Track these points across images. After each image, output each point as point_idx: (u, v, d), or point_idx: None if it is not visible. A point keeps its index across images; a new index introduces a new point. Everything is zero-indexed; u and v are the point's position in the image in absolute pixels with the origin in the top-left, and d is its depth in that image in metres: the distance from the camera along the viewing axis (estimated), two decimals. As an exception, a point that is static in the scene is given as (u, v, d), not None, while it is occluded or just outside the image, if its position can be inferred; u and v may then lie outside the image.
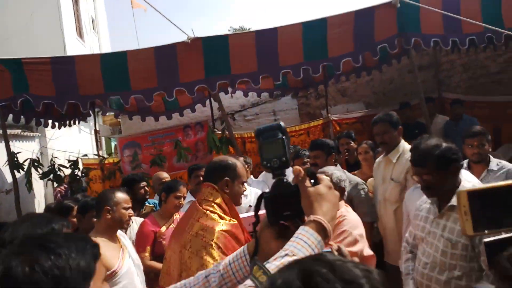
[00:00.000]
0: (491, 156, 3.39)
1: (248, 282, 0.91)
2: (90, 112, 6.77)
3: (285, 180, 1.10)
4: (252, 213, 3.91)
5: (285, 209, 1.08)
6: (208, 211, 2.10)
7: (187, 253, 2.00)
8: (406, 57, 6.87)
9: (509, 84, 7.08)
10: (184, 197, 3.54)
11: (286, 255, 0.93)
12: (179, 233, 2.19)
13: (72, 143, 9.72)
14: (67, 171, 6.02)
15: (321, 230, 0.97)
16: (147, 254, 3.28)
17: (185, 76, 4.63)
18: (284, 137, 1.11)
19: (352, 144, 4.85)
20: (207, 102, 7.19)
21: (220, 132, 6.04)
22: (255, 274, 0.90)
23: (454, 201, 2.15)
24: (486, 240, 1.05)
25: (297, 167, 1.10)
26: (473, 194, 0.70)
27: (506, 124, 6.60)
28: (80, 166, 6.28)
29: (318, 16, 4.82)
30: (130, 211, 2.75)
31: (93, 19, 16.80)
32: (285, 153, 1.10)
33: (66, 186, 7.49)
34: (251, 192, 4.11)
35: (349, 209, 2.87)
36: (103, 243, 2.51)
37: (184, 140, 6.93)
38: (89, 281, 0.93)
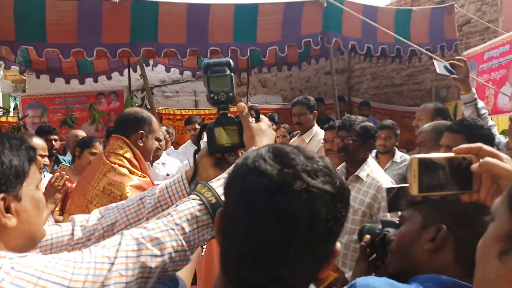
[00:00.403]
0: (396, 149, 3.79)
1: (192, 196, 0.94)
2: (-9, 63, 6.13)
3: (228, 115, 1.15)
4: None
5: (225, 141, 1.13)
6: (116, 165, 1.98)
7: (94, 208, 1.92)
8: (324, 59, 7.40)
9: (407, 96, 7.95)
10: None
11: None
12: (84, 187, 2.06)
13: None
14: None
15: None
16: (56, 209, 3.12)
17: (109, 37, 4.44)
18: (232, 74, 1.14)
19: (274, 127, 5.08)
20: (125, 71, 6.93)
21: (139, 102, 5.87)
22: (200, 191, 0.94)
23: (359, 172, 2.46)
24: (387, 186, 1.24)
25: (241, 103, 1.15)
26: (423, 162, 0.83)
27: (402, 132, 7.33)
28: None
29: (248, 1, 4.96)
30: (46, 159, 2.60)
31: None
32: (232, 88, 1.13)
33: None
34: (171, 162, 4.11)
35: None
36: None
37: (96, 105, 6.60)
38: (22, 181, 0.89)
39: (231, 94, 1.12)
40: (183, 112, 7.15)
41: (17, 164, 0.89)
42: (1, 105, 7.16)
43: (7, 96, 8.88)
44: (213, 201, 0.91)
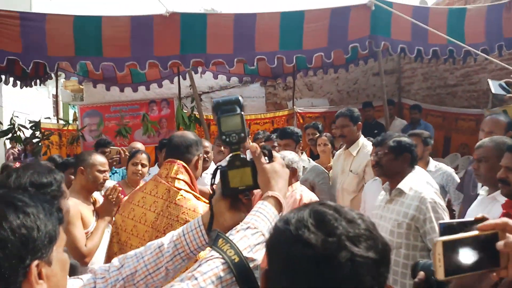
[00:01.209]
0: (430, 158, 3.72)
1: (214, 253, 0.94)
2: (52, 74, 6.55)
3: (241, 156, 1.13)
4: None
5: (239, 183, 1.12)
6: (183, 191, 1.99)
7: None
8: (373, 60, 7.22)
9: (462, 97, 7.57)
10: (143, 164, 3.49)
11: (248, 227, 0.99)
12: (144, 214, 2.03)
13: (28, 104, 9.32)
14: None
15: (277, 205, 1.06)
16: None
17: (160, 50, 4.61)
18: (242, 112, 1.13)
19: (318, 135, 5.04)
20: (175, 79, 7.16)
21: (188, 111, 6.05)
22: (221, 247, 0.94)
23: (401, 185, 2.44)
24: (442, 221, 1.21)
25: (253, 144, 1.14)
26: (448, 244, 0.81)
27: (455, 134, 7.07)
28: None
29: (293, 8, 4.95)
30: (106, 174, 2.75)
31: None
32: (243, 128, 1.11)
33: (20, 148, 7.23)
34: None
35: (303, 188, 3.06)
36: (76, 203, 2.54)
37: (148, 115, 6.87)
38: (53, 245, 0.89)
39: (242, 134, 1.10)
40: (230, 118, 7.27)
41: (50, 228, 0.89)
42: (62, 114, 7.59)
43: (67, 105, 9.46)
44: (236, 260, 0.91)
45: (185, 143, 2.13)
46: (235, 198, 1.15)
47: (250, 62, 4.85)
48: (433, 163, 3.68)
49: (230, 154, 1.13)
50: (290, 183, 2.88)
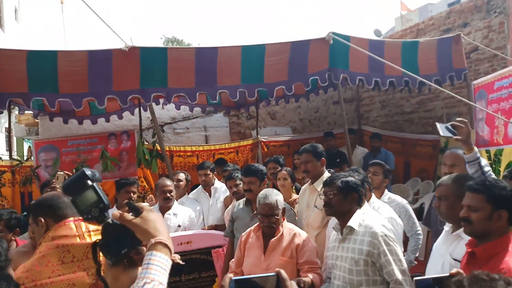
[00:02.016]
0: (386, 190, 3.82)
1: None
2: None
3: (111, 222, 1.14)
4: (181, 233, 3.90)
5: (121, 247, 1.13)
6: None
7: None
8: (332, 89, 7.42)
9: (419, 124, 7.88)
10: None
11: (145, 283, 1.00)
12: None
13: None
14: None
15: (165, 248, 1.08)
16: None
17: (119, 85, 4.52)
18: (94, 183, 1.14)
19: (279, 169, 5.02)
20: (136, 110, 7.02)
21: (149, 144, 5.91)
22: None
23: (350, 223, 2.50)
24: (417, 278, 1.24)
25: (114, 213, 1.14)
26: None
27: (414, 159, 7.31)
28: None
29: (254, 41, 5.01)
30: None
31: (16, 9, 15.59)
32: (100, 198, 1.13)
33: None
34: (182, 212, 4.09)
35: (291, 224, 3.08)
36: None
37: (107, 149, 6.64)
38: None
39: (101, 205, 1.13)
40: (194, 148, 7.16)
41: None
42: (15, 149, 7.21)
43: (21, 139, 9.04)
44: None
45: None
46: (127, 259, 1.15)
47: (212, 97, 4.84)
48: (387, 195, 3.77)
49: (101, 226, 1.14)
50: (280, 223, 2.96)
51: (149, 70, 4.59)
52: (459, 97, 4.90)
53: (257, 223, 3.07)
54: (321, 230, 3.40)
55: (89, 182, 1.13)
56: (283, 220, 3.03)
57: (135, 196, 4.11)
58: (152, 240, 1.08)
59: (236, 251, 3.15)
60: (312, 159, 3.54)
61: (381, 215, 2.88)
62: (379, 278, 2.39)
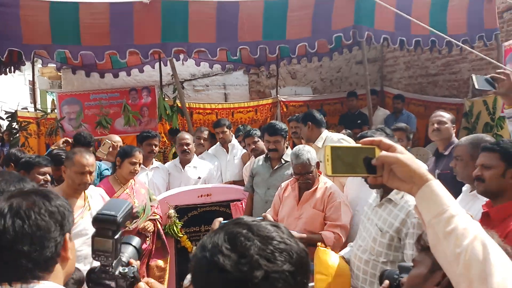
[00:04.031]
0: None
1: None
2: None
3: (111, 271, 1.26)
4: (201, 186, 4.08)
5: None
6: None
7: None
8: (357, 48, 7.22)
9: (443, 87, 7.67)
10: (140, 164, 3.49)
11: None
12: None
13: (4, 92, 9.03)
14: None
15: None
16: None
17: (140, 38, 4.50)
18: (115, 238, 1.23)
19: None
20: (156, 65, 7.03)
21: (170, 100, 5.95)
22: None
23: (391, 195, 2.34)
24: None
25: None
26: (335, 149, 1.00)
27: (436, 123, 7.17)
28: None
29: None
30: (88, 177, 2.74)
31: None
32: (113, 253, 1.23)
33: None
34: (202, 165, 4.27)
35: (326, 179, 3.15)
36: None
37: (129, 103, 6.73)
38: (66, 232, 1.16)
39: (110, 258, 1.24)
40: (213, 106, 7.19)
41: (72, 219, 1.20)
42: (39, 102, 7.36)
43: (44, 92, 9.20)
44: None
45: None
46: None
47: (233, 52, 4.78)
48: None
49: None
50: (315, 177, 3.07)
51: (170, 24, 4.54)
52: (488, 58, 4.71)
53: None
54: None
55: (112, 233, 1.23)
56: (319, 174, 3.12)
57: (156, 149, 4.21)
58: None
59: (275, 200, 3.31)
60: (300, 125, 3.77)
61: None
62: (401, 255, 2.27)
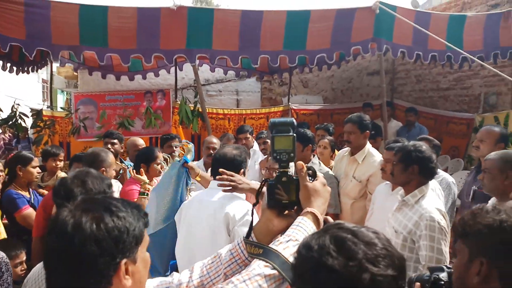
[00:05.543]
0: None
1: (261, 263, 1.07)
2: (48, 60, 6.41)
3: (288, 173, 1.24)
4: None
5: (284, 197, 1.22)
6: None
7: None
8: (366, 57, 7.28)
9: (454, 101, 7.76)
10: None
11: (290, 240, 1.10)
12: None
13: (16, 88, 9.11)
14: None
15: (315, 221, 1.16)
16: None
17: (166, 43, 4.59)
18: (294, 135, 1.23)
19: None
20: (172, 69, 7.12)
21: (191, 104, 6.04)
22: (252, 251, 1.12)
23: (407, 198, 2.49)
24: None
25: (300, 162, 1.24)
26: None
27: (446, 137, 7.25)
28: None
29: (299, 7, 4.97)
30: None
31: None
32: (293, 149, 1.22)
33: (10, 134, 7.09)
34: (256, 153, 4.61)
35: None
36: None
37: (143, 106, 6.80)
38: (139, 245, 1.02)
39: (292, 154, 1.21)
40: (225, 111, 7.28)
41: (137, 232, 1.01)
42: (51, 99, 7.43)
43: (56, 91, 9.26)
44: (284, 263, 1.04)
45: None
46: (281, 208, 1.24)
47: (254, 61, 4.86)
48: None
49: (279, 170, 1.24)
50: None
51: (195, 31, 4.63)
52: (504, 75, 4.82)
53: None
54: (356, 200, 3.52)
55: (292, 131, 1.22)
56: None
57: (177, 149, 4.28)
58: (308, 209, 1.17)
59: None
60: (356, 131, 3.53)
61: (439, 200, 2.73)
62: (415, 256, 2.35)
